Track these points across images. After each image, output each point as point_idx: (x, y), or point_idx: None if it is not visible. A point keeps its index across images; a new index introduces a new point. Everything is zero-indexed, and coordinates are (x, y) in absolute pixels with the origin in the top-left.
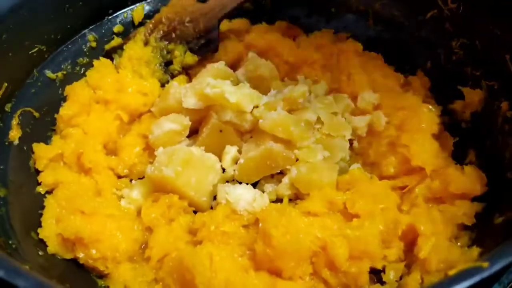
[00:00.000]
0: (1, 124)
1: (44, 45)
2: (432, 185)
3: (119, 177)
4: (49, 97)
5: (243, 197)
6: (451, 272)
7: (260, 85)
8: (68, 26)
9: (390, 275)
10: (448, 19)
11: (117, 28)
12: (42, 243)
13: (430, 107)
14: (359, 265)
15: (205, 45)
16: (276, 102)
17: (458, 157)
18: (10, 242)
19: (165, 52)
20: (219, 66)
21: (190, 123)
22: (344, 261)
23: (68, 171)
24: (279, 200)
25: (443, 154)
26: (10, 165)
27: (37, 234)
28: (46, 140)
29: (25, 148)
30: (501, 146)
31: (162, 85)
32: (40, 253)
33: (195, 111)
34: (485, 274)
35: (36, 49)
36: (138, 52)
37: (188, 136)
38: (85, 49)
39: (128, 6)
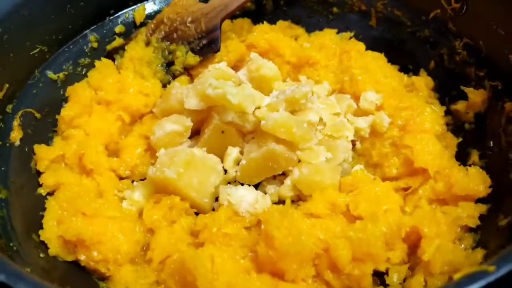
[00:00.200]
0: (2, 125)
1: (46, 46)
2: (435, 186)
3: (121, 178)
4: (51, 98)
5: (245, 198)
6: (456, 276)
7: (262, 85)
8: (70, 27)
9: (394, 278)
10: (452, 19)
11: (118, 29)
12: (43, 245)
13: (434, 107)
14: (362, 267)
15: (207, 46)
16: (279, 103)
17: (462, 158)
18: (11, 244)
19: (166, 52)
20: (221, 66)
21: (191, 124)
22: (347, 263)
23: (70, 172)
24: (281, 201)
25: (446, 155)
26: (11, 167)
27: (38, 236)
28: (48, 141)
29: (26, 149)
30: (505, 147)
31: (164, 86)
32: (41, 255)
33: (197, 112)
34: (491, 279)
35: (38, 49)
36: (140, 52)
37: (190, 137)
38: (86, 50)
39: (129, 6)
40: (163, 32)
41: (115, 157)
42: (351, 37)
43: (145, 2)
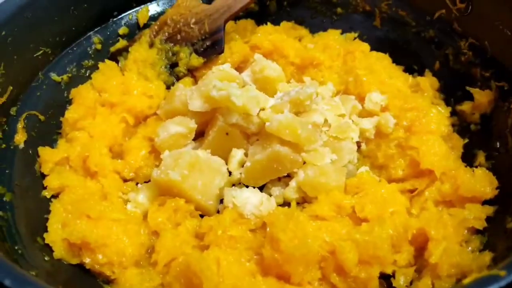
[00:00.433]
0: (7, 128)
1: (49, 48)
2: (442, 188)
3: (125, 180)
4: (54, 100)
5: (250, 200)
6: (466, 280)
7: (266, 87)
8: (73, 28)
9: (400, 280)
10: (457, 19)
11: (122, 30)
12: (48, 248)
13: (439, 108)
14: (368, 270)
15: (211, 47)
16: (283, 105)
17: (468, 159)
18: (16, 247)
19: (170, 54)
20: (224, 68)
21: (196, 126)
22: (353, 266)
23: (74, 175)
24: (286, 203)
25: (452, 156)
26: (16, 169)
27: (43, 239)
28: (52, 143)
29: (30, 151)
30: (511, 147)
31: (168, 87)
32: (46, 258)
33: (201, 113)
34: (502, 283)
35: (41, 51)
36: (144, 54)
37: (194, 139)
38: (90, 52)
39: (133, 7)
40: (166, 34)
41: (119, 159)
42: (355, 38)
43: (148, 3)
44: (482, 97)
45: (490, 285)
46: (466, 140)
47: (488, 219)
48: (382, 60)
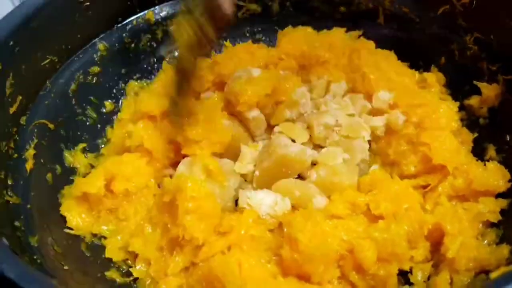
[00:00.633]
0: (17, 137)
1: (56, 56)
2: (455, 183)
3: None
4: (63, 108)
5: (265, 201)
6: (494, 275)
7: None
8: (78, 36)
9: (418, 276)
10: (461, 14)
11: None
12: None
13: (448, 103)
14: (387, 267)
15: None
16: None
17: (478, 153)
18: (34, 257)
19: None
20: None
21: None
22: (372, 264)
23: None
24: None
25: (463, 151)
26: (28, 179)
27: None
28: (61, 152)
29: (42, 161)
30: None
31: None
32: (66, 267)
33: None
34: None
35: (48, 60)
36: None
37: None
38: (96, 58)
39: (136, 13)
40: None
41: None
42: (360, 36)
43: (152, 8)
44: (489, 91)
45: None
46: (476, 134)
47: (502, 212)
48: (388, 57)
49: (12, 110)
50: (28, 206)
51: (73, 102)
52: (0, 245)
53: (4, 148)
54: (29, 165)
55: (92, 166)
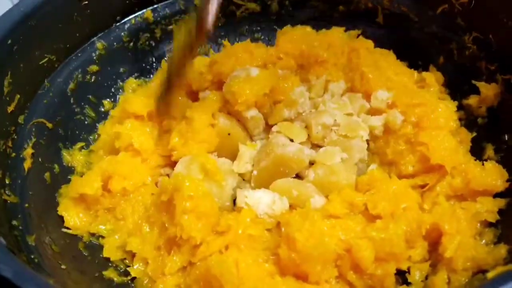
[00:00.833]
0: (16, 136)
1: (54, 55)
2: (453, 182)
3: None
4: (62, 107)
5: (262, 200)
6: (490, 275)
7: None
8: (77, 35)
9: (416, 276)
10: (460, 14)
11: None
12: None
13: (446, 103)
14: (385, 267)
15: None
16: None
17: (476, 152)
18: (32, 256)
19: None
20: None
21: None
22: (369, 264)
23: None
24: None
25: (462, 150)
26: (26, 178)
27: (58, 246)
28: (59, 151)
29: (40, 159)
30: None
31: None
32: (63, 266)
33: None
34: None
35: (46, 59)
36: None
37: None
38: (94, 57)
39: (135, 12)
40: None
41: None
42: (358, 35)
43: (150, 7)
44: (488, 90)
45: None
46: (474, 134)
47: (500, 212)
48: (387, 57)
49: (10, 109)
50: (26, 205)
51: (72, 101)
52: None
53: (2, 147)
54: (27, 164)
55: (89, 164)
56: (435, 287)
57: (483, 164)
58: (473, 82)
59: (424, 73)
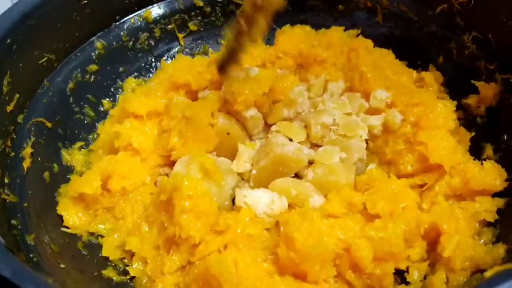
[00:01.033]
0: (15, 136)
1: (53, 54)
2: (451, 182)
3: None
4: (61, 106)
5: (261, 200)
6: (487, 274)
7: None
8: (76, 34)
9: (414, 275)
10: (459, 13)
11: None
12: (59, 255)
13: (445, 102)
14: (383, 266)
15: None
16: None
17: (475, 152)
18: (31, 255)
19: None
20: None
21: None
22: (368, 263)
23: None
24: None
25: (460, 150)
26: (25, 177)
27: (57, 246)
28: (59, 150)
29: (39, 159)
30: None
31: None
32: (62, 265)
33: None
34: None
35: (46, 58)
36: None
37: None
38: (94, 56)
39: (134, 11)
40: None
41: None
42: (358, 35)
43: (149, 6)
44: (487, 90)
45: None
46: (473, 134)
47: (498, 211)
48: (386, 56)
49: (9, 108)
50: (25, 204)
51: (71, 100)
52: None
53: (1, 146)
54: (26, 164)
55: (88, 164)
56: (434, 287)
57: (482, 164)
58: (472, 81)
59: (423, 73)
